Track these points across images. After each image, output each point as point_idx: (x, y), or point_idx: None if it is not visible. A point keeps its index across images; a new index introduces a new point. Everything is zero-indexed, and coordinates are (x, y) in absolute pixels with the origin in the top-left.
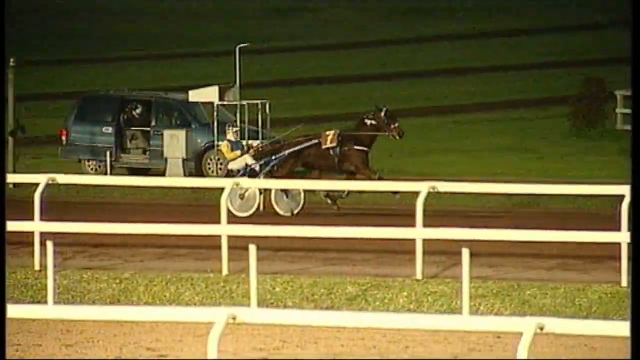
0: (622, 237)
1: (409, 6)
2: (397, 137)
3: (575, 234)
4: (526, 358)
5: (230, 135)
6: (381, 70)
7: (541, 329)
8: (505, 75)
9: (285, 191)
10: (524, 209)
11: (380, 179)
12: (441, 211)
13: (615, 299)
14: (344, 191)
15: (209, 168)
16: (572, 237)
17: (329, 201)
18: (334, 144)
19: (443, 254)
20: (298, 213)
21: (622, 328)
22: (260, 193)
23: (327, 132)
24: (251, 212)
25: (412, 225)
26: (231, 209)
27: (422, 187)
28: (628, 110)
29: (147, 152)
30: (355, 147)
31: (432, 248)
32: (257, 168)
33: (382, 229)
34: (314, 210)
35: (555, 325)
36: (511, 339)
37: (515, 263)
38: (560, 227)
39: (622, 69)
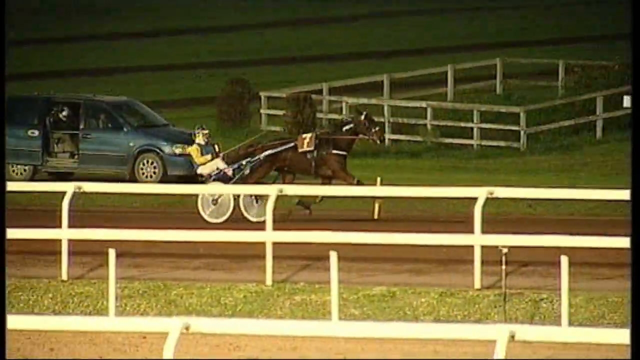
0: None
1: None
2: (378, 142)
3: (224, 234)
4: (172, 358)
5: (199, 139)
6: None
7: (187, 328)
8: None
9: (257, 197)
10: (171, 209)
11: (359, 183)
12: (88, 211)
13: (260, 297)
14: (317, 197)
15: (143, 173)
16: (220, 237)
17: (302, 207)
18: (311, 148)
19: (89, 255)
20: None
21: (267, 326)
22: (235, 198)
23: (304, 135)
24: (224, 218)
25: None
26: (203, 215)
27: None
28: (272, 111)
29: (76, 156)
30: (334, 151)
31: (79, 249)
32: (230, 172)
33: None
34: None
35: (202, 324)
36: (157, 339)
37: (162, 263)
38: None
39: (264, 69)
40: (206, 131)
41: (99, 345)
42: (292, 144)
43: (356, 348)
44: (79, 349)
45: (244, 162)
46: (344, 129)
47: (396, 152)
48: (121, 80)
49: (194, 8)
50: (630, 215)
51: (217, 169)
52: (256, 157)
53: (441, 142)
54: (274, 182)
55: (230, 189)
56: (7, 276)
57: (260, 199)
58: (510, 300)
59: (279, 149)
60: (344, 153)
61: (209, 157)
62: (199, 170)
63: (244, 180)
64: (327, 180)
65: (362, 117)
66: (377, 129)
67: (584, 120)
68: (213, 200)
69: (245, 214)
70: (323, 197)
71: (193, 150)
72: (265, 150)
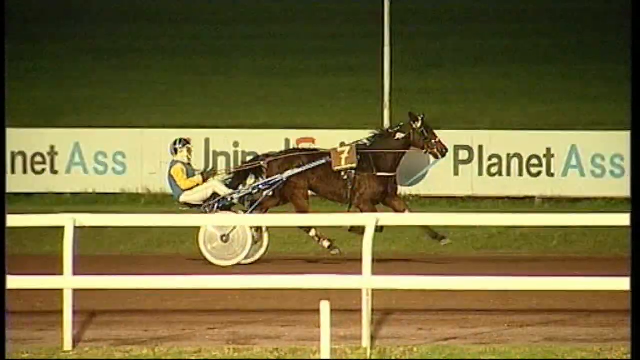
0: None
1: None
2: (439, 157)
3: None
4: None
5: (181, 156)
6: None
7: None
8: None
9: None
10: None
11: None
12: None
13: None
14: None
15: None
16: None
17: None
18: (352, 164)
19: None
20: (260, 259)
21: None
22: (257, 231)
23: (341, 148)
24: (237, 259)
25: None
26: (206, 255)
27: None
28: None
29: None
30: (379, 172)
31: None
32: (236, 199)
33: None
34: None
35: None
36: None
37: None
38: None
39: None
40: (190, 145)
41: None
42: (323, 160)
43: None
44: None
45: (252, 185)
46: (395, 138)
47: None
48: None
49: None
50: None
51: (215, 195)
52: (276, 177)
53: None
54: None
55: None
56: None
57: (229, 235)
58: None
59: (308, 166)
60: (392, 174)
61: (198, 178)
62: (184, 198)
63: (258, 209)
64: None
65: (419, 123)
66: (437, 139)
67: None
68: (223, 236)
69: (209, 257)
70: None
71: (176, 170)
72: (274, 164)
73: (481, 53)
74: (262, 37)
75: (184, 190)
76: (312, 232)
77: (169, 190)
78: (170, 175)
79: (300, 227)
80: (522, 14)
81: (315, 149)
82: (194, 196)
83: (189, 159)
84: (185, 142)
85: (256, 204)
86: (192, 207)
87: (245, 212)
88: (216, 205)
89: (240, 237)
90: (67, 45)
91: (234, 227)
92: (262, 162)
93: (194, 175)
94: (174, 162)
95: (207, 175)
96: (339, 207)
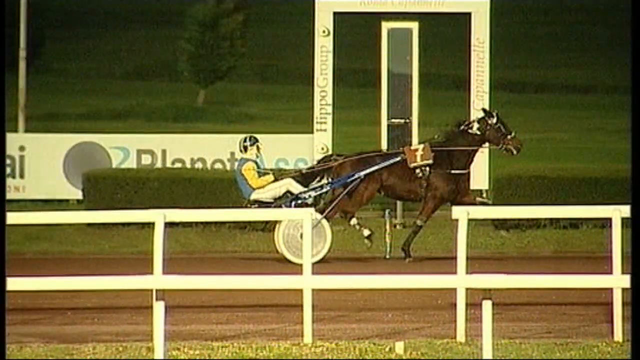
0: None
1: None
2: (514, 152)
3: None
4: None
5: (250, 153)
6: None
7: None
8: None
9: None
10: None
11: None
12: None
13: None
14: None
15: None
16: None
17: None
18: (428, 161)
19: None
20: (323, 258)
21: None
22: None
23: (415, 146)
24: (316, 258)
25: None
26: (285, 252)
27: None
28: None
29: None
30: (453, 169)
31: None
32: (310, 198)
33: None
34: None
35: None
36: None
37: None
38: None
39: None
40: (258, 143)
41: None
42: (398, 158)
43: None
44: None
45: (328, 183)
46: (469, 133)
47: None
48: None
49: None
50: None
51: (289, 193)
52: (353, 175)
53: None
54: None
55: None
56: None
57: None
58: None
59: (384, 163)
60: (466, 171)
61: (269, 177)
62: (255, 196)
63: (335, 209)
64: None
65: (494, 119)
66: (512, 135)
67: None
68: (302, 234)
69: (288, 254)
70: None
71: (248, 168)
72: (347, 164)
73: None
74: None
75: (254, 189)
76: (353, 221)
77: None
78: (240, 174)
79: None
80: None
81: (390, 151)
82: (266, 194)
83: (258, 157)
84: (254, 140)
85: (334, 203)
86: (262, 205)
87: (323, 211)
88: (293, 203)
89: (320, 236)
90: None
91: (314, 226)
92: (333, 162)
93: (268, 173)
94: (244, 160)
95: (278, 174)
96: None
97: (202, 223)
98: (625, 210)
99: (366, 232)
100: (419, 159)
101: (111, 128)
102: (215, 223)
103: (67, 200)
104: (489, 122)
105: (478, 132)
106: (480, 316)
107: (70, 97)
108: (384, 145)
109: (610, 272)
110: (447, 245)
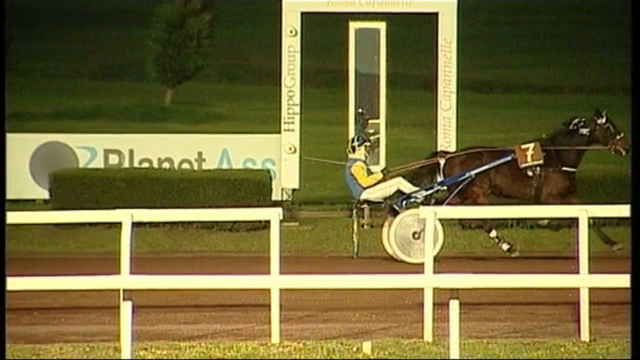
0: None
1: None
2: (623, 153)
3: None
4: None
5: (359, 153)
6: None
7: None
8: None
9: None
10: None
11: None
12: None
13: None
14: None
15: None
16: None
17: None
18: (539, 161)
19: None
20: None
21: None
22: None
23: (525, 145)
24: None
25: None
26: (395, 250)
27: None
28: None
29: None
30: (563, 167)
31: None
32: (421, 198)
33: None
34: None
35: None
36: None
37: None
38: None
39: None
40: (368, 143)
41: None
42: (508, 157)
43: None
44: None
45: (438, 182)
46: (579, 133)
47: None
48: None
49: None
50: None
51: (400, 192)
52: (463, 175)
53: None
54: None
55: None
56: None
57: (421, 233)
58: None
59: (494, 163)
60: (574, 170)
61: (379, 176)
62: (366, 196)
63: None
64: None
65: (603, 119)
66: (621, 135)
67: None
68: (414, 233)
69: (400, 254)
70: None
71: (357, 168)
72: (455, 161)
73: None
74: None
75: (364, 188)
76: (493, 234)
77: None
78: (350, 174)
79: (479, 227)
80: None
81: (494, 147)
82: (376, 194)
83: (366, 157)
84: (363, 139)
85: (446, 202)
86: (372, 205)
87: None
88: (404, 202)
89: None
90: None
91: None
92: (441, 160)
93: (377, 172)
94: (353, 161)
95: (386, 173)
96: None
97: (169, 223)
98: (591, 210)
99: (505, 247)
100: (529, 158)
101: (78, 128)
102: (183, 223)
103: (34, 200)
104: (598, 122)
105: (587, 132)
106: (447, 316)
107: (36, 96)
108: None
109: (577, 272)
110: None
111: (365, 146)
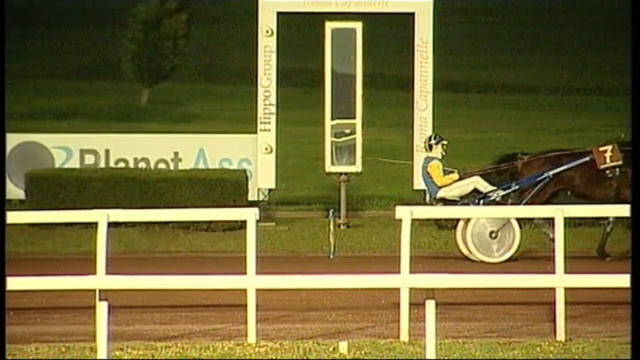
0: None
1: None
2: None
3: None
4: None
5: (436, 152)
6: None
7: None
8: None
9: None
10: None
11: None
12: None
13: None
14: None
15: None
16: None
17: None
18: (618, 162)
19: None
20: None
21: None
22: (520, 227)
23: (603, 147)
24: (504, 257)
25: None
26: (472, 249)
27: None
28: None
29: None
30: None
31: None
32: (498, 197)
33: None
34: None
35: None
36: None
37: None
38: None
39: None
40: (445, 142)
41: None
42: (587, 158)
43: None
44: None
45: (517, 182)
46: None
47: None
48: None
49: None
50: None
51: (476, 192)
52: (540, 175)
53: None
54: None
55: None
56: None
57: (498, 232)
58: None
59: (571, 164)
60: None
61: (455, 175)
62: (442, 194)
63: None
64: None
65: None
66: None
67: None
68: (492, 232)
69: (478, 254)
70: None
71: (433, 167)
72: (534, 163)
73: None
74: None
75: (439, 187)
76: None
77: None
78: (426, 172)
79: (545, 232)
80: None
81: (578, 151)
82: (453, 192)
83: (443, 156)
84: (440, 138)
85: (524, 201)
86: (448, 203)
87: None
88: (481, 201)
89: (509, 235)
90: None
91: (504, 224)
92: (519, 161)
93: (453, 172)
94: (429, 159)
95: (463, 172)
96: None
97: (145, 223)
98: (567, 210)
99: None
100: (608, 160)
101: (54, 128)
102: (159, 223)
103: (10, 201)
104: None
105: None
106: (423, 316)
107: (12, 96)
108: (327, 146)
109: (553, 272)
110: (390, 245)
111: (442, 144)
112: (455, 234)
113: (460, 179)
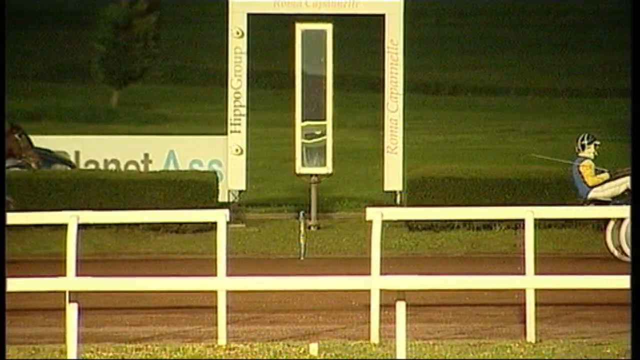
0: None
1: None
2: None
3: None
4: None
5: (588, 152)
6: None
7: None
8: None
9: None
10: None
11: None
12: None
13: None
14: None
15: None
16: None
17: None
18: None
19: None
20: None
21: None
22: None
23: None
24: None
25: None
26: (626, 250)
27: None
28: None
29: None
30: None
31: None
32: None
33: None
34: None
35: None
36: None
37: None
38: None
39: None
40: (598, 142)
41: None
42: None
43: None
44: None
45: None
46: None
47: None
48: None
49: None
50: None
51: (626, 192)
52: None
53: None
54: None
55: None
56: None
57: None
58: None
59: None
60: None
61: (605, 175)
62: (594, 195)
63: None
64: None
65: None
66: None
67: None
68: None
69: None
70: None
71: (585, 167)
72: None
73: None
74: None
75: (590, 187)
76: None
77: None
78: (578, 172)
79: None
80: None
81: None
82: (604, 192)
83: (595, 156)
84: (593, 138)
85: None
86: (600, 204)
87: None
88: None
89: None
90: None
91: None
92: None
93: (603, 172)
94: (581, 158)
95: (614, 172)
96: None
97: (115, 224)
98: (537, 212)
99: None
100: None
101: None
102: (129, 224)
103: None
104: None
105: None
106: (394, 317)
107: None
108: (298, 147)
109: (523, 273)
110: (361, 247)
111: (595, 144)
112: (606, 235)
113: (611, 178)
